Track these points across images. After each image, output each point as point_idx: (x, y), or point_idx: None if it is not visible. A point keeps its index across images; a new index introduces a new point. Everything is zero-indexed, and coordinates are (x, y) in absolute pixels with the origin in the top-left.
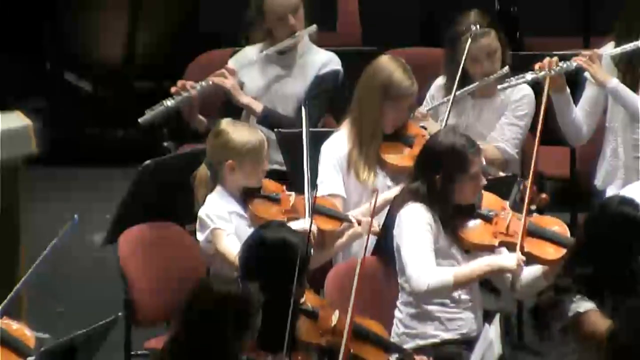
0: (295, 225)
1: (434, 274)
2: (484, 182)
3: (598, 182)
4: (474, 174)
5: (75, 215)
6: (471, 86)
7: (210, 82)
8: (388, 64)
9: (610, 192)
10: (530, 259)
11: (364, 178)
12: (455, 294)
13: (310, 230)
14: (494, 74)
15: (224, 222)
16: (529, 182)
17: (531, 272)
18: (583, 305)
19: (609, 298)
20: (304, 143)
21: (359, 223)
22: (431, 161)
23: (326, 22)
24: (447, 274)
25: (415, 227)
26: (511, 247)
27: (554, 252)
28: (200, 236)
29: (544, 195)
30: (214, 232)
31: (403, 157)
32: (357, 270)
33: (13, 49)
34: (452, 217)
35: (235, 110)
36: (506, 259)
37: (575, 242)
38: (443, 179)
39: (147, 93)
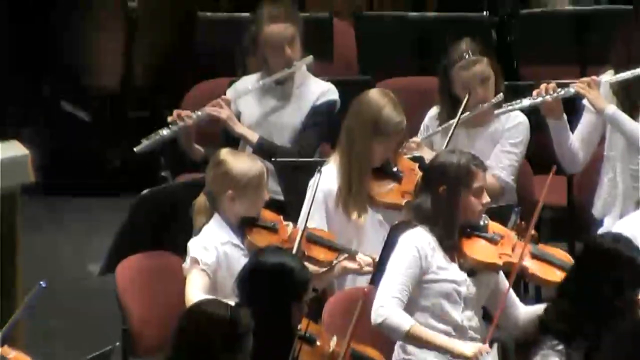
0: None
1: (395, 314)
2: (488, 199)
3: (596, 211)
4: (478, 188)
5: (42, 282)
6: (465, 114)
7: (206, 112)
8: (377, 99)
9: (608, 221)
10: (534, 280)
11: (354, 218)
12: (459, 320)
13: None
14: (487, 102)
15: (204, 254)
16: (536, 211)
17: (533, 310)
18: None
19: (583, 343)
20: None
21: (354, 256)
22: (436, 175)
23: (323, 52)
24: (406, 321)
25: (402, 255)
26: (515, 270)
27: (557, 275)
28: (185, 264)
29: (533, 232)
30: (190, 262)
31: (392, 194)
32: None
33: (10, 76)
34: (454, 233)
35: (233, 140)
36: (466, 347)
37: (566, 275)
38: (447, 192)
39: (144, 122)
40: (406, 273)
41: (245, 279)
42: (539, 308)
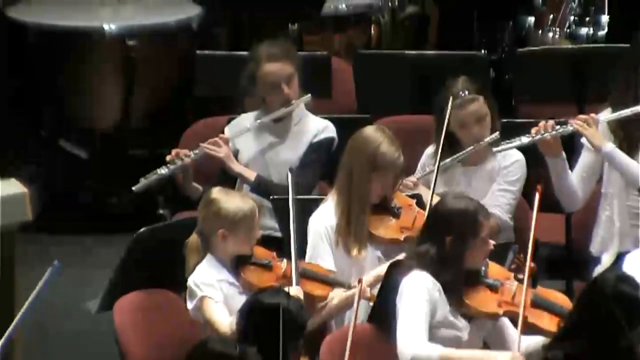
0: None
1: (422, 346)
2: (491, 247)
3: (593, 249)
4: (484, 237)
5: (56, 261)
6: (461, 152)
7: (204, 151)
8: (374, 135)
9: (605, 259)
10: (533, 330)
11: (354, 254)
12: None
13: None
14: (484, 140)
15: (212, 290)
16: (528, 254)
17: (534, 341)
18: None
19: None
20: (290, 209)
21: (351, 288)
22: (442, 224)
23: (321, 90)
24: (434, 350)
25: (415, 295)
26: (516, 317)
27: (556, 324)
28: (190, 304)
29: (532, 265)
30: (202, 300)
31: (391, 230)
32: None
33: (10, 115)
34: (458, 283)
35: (231, 178)
36: (501, 356)
37: (568, 315)
38: (454, 242)
39: (143, 161)
40: (422, 311)
41: (243, 318)
42: (538, 340)
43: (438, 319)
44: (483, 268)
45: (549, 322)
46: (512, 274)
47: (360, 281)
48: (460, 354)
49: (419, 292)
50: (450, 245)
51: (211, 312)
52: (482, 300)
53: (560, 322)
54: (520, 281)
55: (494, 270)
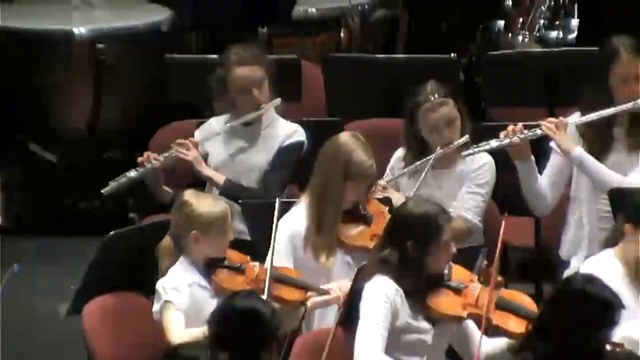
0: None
1: (376, 358)
2: (454, 250)
3: (563, 252)
4: (446, 241)
5: (15, 265)
6: (431, 156)
7: (173, 154)
8: (348, 143)
9: (574, 262)
10: (498, 332)
11: (323, 262)
12: None
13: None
14: (454, 143)
15: (177, 295)
16: (496, 257)
17: (497, 344)
18: None
19: None
20: (274, 227)
21: (324, 292)
22: (403, 229)
23: (291, 94)
24: None
25: (374, 302)
26: (480, 320)
27: (521, 326)
28: (155, 307)
29: (500, 278)
30: (164, 304)
31: (362, 237)
32: (329, 340)
33: None
34: (421, 287)
35: (201, 181)
36: None
37: (537, 317)
38: (415, 247)
39: (113, 164)
40: (381, 319)
41: (215, 323)
42: (502, 342)
43: (401, 324)
44: (446, 271)
45: (514, 324)
46: (476, 277)
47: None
48: None
49: (378, 299)
50: (411, 249)
51: (168, 318)
52: (446, 304)
53: (528, 324)
54: (484, 283)
55: (458, 273)
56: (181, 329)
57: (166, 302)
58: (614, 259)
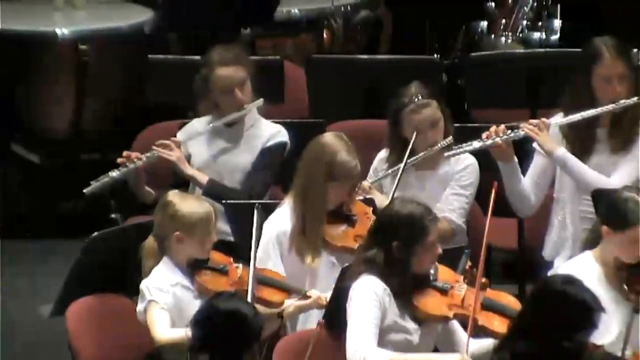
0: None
1: (371, 351)
2: (440, 251)
3: (546, 253)
4: (431, 242)
5: None
6: (415, 157)
7: (156, 154)
8: (332, 143)
9: (558, 263)
10: (484, 333)
11: (308, 262)
12: None
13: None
14: (437, 144)
15: (161, 295)
16: (481, 258)
17: (483, 344)
18: None
19: None
20: (254, 233)
21: (307, 295)
22: (389, 229)
23: (274, 94)
24: (384, 355)
25: (364, 300)
26: (466, 320)
27: (506, 326)
28: (139, 307)
29: (484, 280)
30: (149, 304)
31: (346, 237)
32: (312, 342)
33: None
34: (407, 287)
35: (184, 181)
36: (449, 358)
37: (517, 317)
38: (401, 247)
39: (95, 164)
40: (372, 316)
41: (198, 323)
42: (488, 342)
43: (388, 323)
44: (432, 272)
45: (500, 325)
46: (462, 277)
47: None
48: (408, 357)
49: (368, 297)
50: (397, 250)
51: (153, 317)
52: (432, 304)
53: (509, 323)
54: (470, 284)
55: (444, 274)
56: (166, 327)
57: (151, 301)
58: (592, 260)
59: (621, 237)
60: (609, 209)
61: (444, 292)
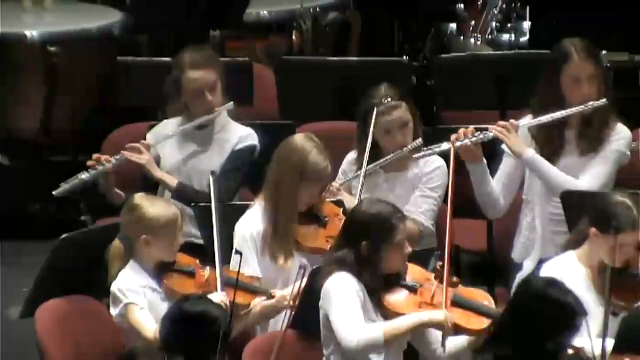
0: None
1: (364, 331)
2: (410, 250)
3: (515, 255)
4: (400, 241)
5: None
6: (385, 159)
7: (125, 157)
8: (304, 145)
9: (527, 265)
10: (457, 330)
11: (281, 263)
12: None
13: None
14: (407, 146)
15: (137, 297)
16: (446, 253)
17: (458, 342)
18: None
19: None
20: (213, 216)
21: (273, 297)
22: (358, 229)
23: (243, 96)
24: (377, 329)
25: (343, 292)
26: None
27: (479, 323)
28: (114, 311)
29: (455, 279)
30: (127, 307)
31: (318, 239)
32: (277, 345)
33: None
34: (378, 286)
35: (153, 184)
36: (435, 313)
37: (498, 319)
38: (370, 247)
39: (65, 166)
40: (355, 302)
41: (167, 326)
42: (462, 339)
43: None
44: (402, 270)
45: (472, 322)
46: (432, 275)
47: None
48: (399, 322)
49: (347, 288)
50: (366, 250)
51: (137, 319)
52: (402, 303)
53: (491, 324)
54: (441, 282)
55: (414, 273)
56: (155, 325)
57: (128, 304)
58: (576, 262)
59: (609, 240)
60: (600, 212)
61: (414, 290)
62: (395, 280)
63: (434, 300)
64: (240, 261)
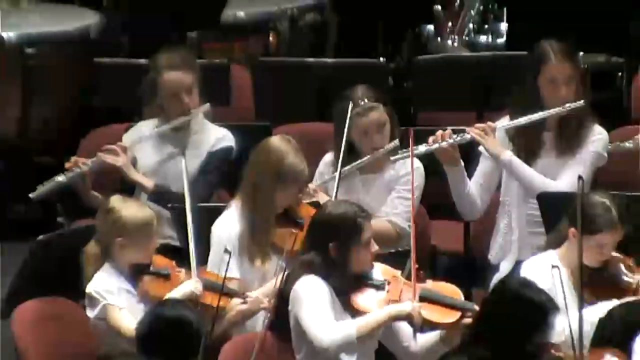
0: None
1: (336, 329)
2: (377, 248)
3: (492, 256)
4: (367, 240)
5: None
6: (361, 160)
7: (101, 159)
8: (280, 147)
9: (504, 267)
10: (426, 324)
11: (258, 265)
12: None
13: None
14: (383, 148)
15: (114, 297)
16: (412, 248)
17: (429, 336)
18: None
19: None
20: (188, 217)
21: (247, 298)
22: (324, 231)
23: (220, 97)
24: (348, 326)
25: (312, 293)
26: None
27: (448, 316)
28: (91, 313)
29: (421, 272)
30: (106, 308)
31: (295, 241)
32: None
33: None
34: (346, 286)
35: (131, 186)
36: (402, 305)
37: (473, 320)
38: (337, 248)
39: (43, 168)
40: (325, 303)
41: (143, 330)
42: (434, 334)
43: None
44: (368, 269)
45: (441, 315)
46: (399, 272)
47: None
48: (369, 317)
49: (316, 290)
50: (334, 250)
51: (117, 319)
52: (371, 302)
53: (460, 317)
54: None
55: (381, 271)
56: (134, 322)
57: (107, 305)
58: (557, 260)
59: (587, 241)
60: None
61: (381, 288)
62: (362, 280)
63: (402, 297)
64: (229, 260)
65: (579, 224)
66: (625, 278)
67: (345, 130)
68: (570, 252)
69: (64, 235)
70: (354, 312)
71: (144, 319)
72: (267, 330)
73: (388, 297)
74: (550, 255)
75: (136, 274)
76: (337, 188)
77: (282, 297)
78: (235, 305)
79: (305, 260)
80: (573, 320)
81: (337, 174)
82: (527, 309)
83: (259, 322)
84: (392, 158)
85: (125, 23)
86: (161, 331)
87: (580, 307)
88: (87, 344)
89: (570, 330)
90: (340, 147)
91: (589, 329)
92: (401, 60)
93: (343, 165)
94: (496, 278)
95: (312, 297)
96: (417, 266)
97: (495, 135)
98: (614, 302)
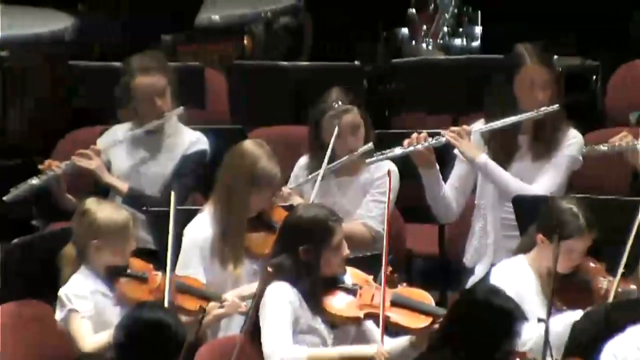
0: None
1: (288, 351)
2: (347, 251)
3: (467, 260)
4: (338, 243)
5: None
6: (336, 162)
7: (75, 163)
8: (253, 151)
9: (479, 270)
10: (397, 329)
11: (230, 270)
12: None
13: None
14: (357, 150)
15: (82, 303)
16: (384, 252)
17: (399, 341)
18: None
19: None
20: (170, 222)
21: (223, 302)
22: (294, 234)
23: (195, 100)
24: (301, 352)
25: (275, 305)
26: (377, 318)
27: (419, 321)
28: (59, 315)
29: (395, 275)
30: (69, 313)
31: (267, 244)
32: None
33: None
34: (317, 289)
35: (106, 189)
36: (366, 348)
37: (441, 325)
38: (308, 251)
39: (18, 171)
40: (285, 317)
41: (121, 334)
42: (404, 339)
43: (302, 327)
44: (341, 273)
45: (412, 320)
46: (371, 277)
47: None
48: (327, 352)
49: (280, 300)
50: (304, 253)
51: (76, 327)
52: (342, 306)
53: (431, 322)
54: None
55: (353, 275)
56: (90, 336)
57: (71, 310)
58: (526, 266)
59: (555, 247)
60: (546, 218)
61: (353, 292)
62: (334, 283)
63: (373, 302)
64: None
65: (554, 233)
66: (595, 283)
67: (323, 133)
68: (539, 257)
69: (40, 237)
70: (326, 316)
71: (123, 322)
72: (245, 333)
73: (360, 302)
74: (520, 260)
75: (112, 276)
76: (316, 191)
77: (257, 302)
78: (212, 308)
79: (275, 263)
80: (541, 327)
81: (312, 177)
82: (495, 316)
83: (231, 325)
84: (367, 161)
85: (100, 26)
86: (140, 334)
87: (548, 315)
88: (66, 346)
89: (546, 337)
90: (315, 150)
91: (554, 338)
92: (376, 63)
93: (318, 168)
94: (471, 281)
95: (275, 310)
96: (391, 269)
97: (470, 139)
98: (579, 312)
